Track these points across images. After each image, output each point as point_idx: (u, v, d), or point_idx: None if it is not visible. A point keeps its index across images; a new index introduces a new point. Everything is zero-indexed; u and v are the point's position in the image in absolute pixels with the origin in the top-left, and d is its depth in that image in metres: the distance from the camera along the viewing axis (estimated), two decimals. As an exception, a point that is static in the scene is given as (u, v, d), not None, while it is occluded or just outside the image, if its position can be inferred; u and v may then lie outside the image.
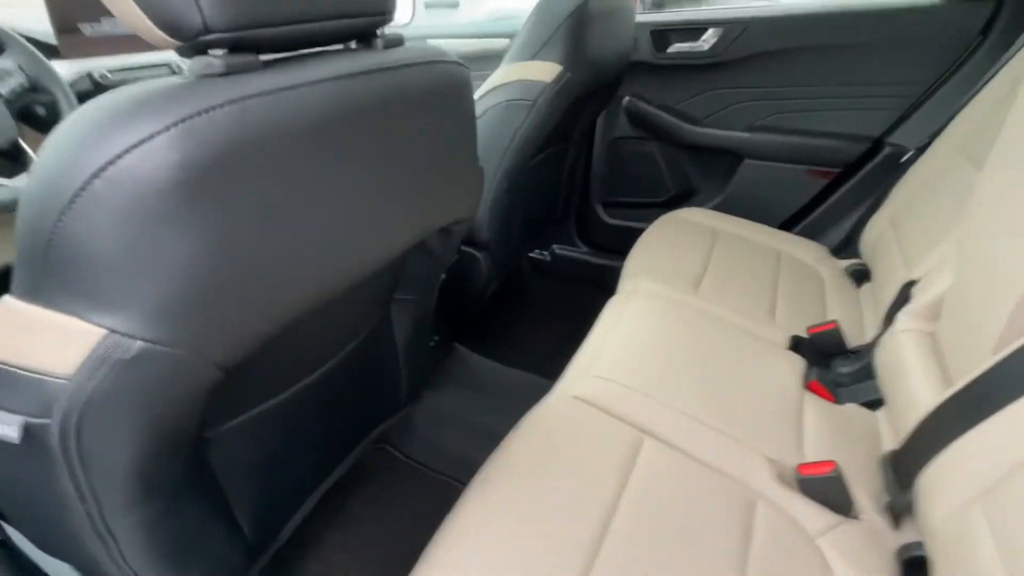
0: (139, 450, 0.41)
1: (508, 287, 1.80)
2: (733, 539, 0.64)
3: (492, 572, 0.57)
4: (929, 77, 1.29)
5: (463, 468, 0.69)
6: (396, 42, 0.53)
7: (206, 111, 0.34)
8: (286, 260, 0.43)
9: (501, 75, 1.08)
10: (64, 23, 0.88)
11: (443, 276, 1.17)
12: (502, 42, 1.54)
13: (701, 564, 0.61)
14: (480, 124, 1.10)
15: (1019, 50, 1.03)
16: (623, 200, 1.73)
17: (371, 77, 0.46)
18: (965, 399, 0.62)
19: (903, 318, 0.81)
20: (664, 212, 1.43)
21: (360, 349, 0.79)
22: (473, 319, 1.54)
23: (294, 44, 0.46)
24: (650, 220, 1.39)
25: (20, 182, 0.68)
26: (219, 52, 0.39)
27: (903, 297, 0.89)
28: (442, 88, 0.54)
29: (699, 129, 1.52)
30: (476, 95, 1.13)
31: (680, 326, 0.99)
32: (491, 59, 1.25)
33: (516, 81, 1.04)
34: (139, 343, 0.36)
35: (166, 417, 0.41)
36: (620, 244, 1.44)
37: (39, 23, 0.87)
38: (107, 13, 0.85)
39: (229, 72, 0.38)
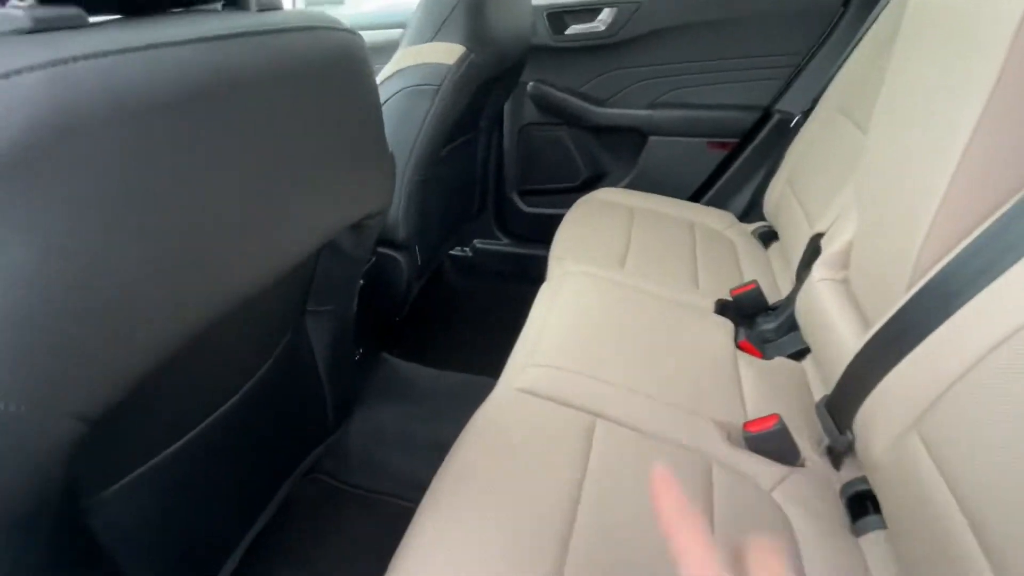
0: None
1: (432, 288, 1.72)
2: (696, 507, 0.63)
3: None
4: (804, 47, 1.39)
5: (408, 485, 0.63)
6: (273, 5, 0.45)
7: (5, 76, 0.25)
8: (153, 272, 0.34)
9: (399, 60, 1.01)
10: None
11: (361, 281, 1.08)
12: (396, 34, 1.46)
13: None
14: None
15: (877, 17, 1.13)
16: (538, 188, 1.72)
17: (245, 41, 0.38)
18: (887, 337, 0.65)
19: (817, 269, 0.85)
20: (579, 195, 1.43)
21: (273, 373, 0.69)
22: (399, 326, 1.45)
23: (138, 2, 0.37)
24: (567, 205, 1.38)
25: None
26: (22, 1, 0.29)
27: (813, 250, 0.94)
28: (334, 58, 0.47)
29: (604, 110, 1.54)
30: (374, 83, 1.04)
31: (613, 304, 0.99)
32: (385, 51, 1.16)
33: (417, 65, 0.98)
34: None
35: (16, 492, 0.31)
36: (540, 232, 1.43)
37: None
38: None
39: (38, 28, 0.29)
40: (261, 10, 0.44)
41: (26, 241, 0.27)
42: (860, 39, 1.15)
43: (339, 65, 0.48)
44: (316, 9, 0.54)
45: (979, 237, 0.56)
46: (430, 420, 1.17)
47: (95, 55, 0.29)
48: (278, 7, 0.46)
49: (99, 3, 0.34)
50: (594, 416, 0.74)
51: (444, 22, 0.98)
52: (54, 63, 0.27)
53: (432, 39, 0.98)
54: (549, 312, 0.97)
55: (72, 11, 0.31)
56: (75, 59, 0.28)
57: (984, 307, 0.52)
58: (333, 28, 0.47)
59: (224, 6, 0.44)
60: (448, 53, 0.97)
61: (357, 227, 0.63)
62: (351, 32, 0.50)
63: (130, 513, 0.51)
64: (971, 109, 0.55)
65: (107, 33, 0.32)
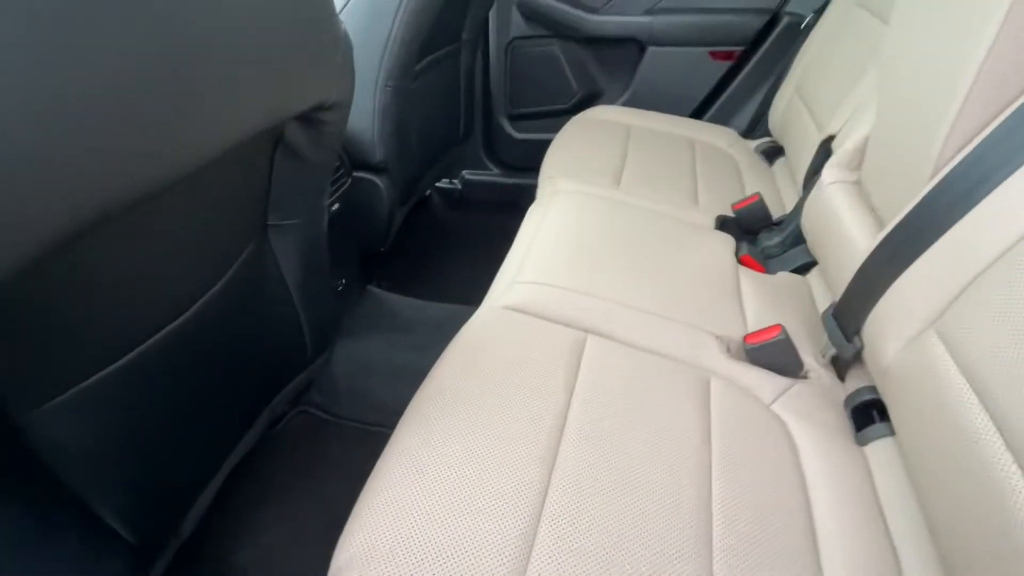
0: None
1: (420, 221, 1.65)
2: (693, 419, 0.59)
3: (438, 511, 0.48)
4: (819, -64, 1.25)
5: (395, 415, 0.58)
6: None
7: None
8: (38, 134, 0.28)
9: (363, -50, 0.89)
10: None
11: (335, 205, 1.01)
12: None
13: (665, 451, 0.55)
14: (350, 10, 0.91)
15: None
16: (529, 111, 1.61)
17: None
18: (903, 234, 0.59)
19: (828, 172, 0.78)
20: (575, 116, 1.33)
21: (237, 290, 0.63)
22: (386, 258, 1.39)
23: None
24: (560, 129, 1.29)
25: None
26: None
27: (824, 153, 0.86)
28: None
29: (598, 17, 1.40)
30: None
31: (606, 220, 0.92)
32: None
33: (382, -47, 0.86)
34: None
35: None
36: (533, 160, 1.34)
37: None
38: None
39: None
40: None
41: None
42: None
43: None
44: None
45: (1001, 126, 0.50)
46: (416, 350, 1.13)
47: None
48: None
49: None
50: (584, 332, 0.69)
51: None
52: None
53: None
54: (538, 230, 0.90)
55: None
56: None
57: (1007, 199, 0.46)
58: None
59: None
60: (418, -63, 0.85)
61: (309, 122, 0.56)
62: None
63: (72, 432, 0.46)
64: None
65: None
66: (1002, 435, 0.41)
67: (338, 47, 0.55)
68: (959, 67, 0.55)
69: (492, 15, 1.45)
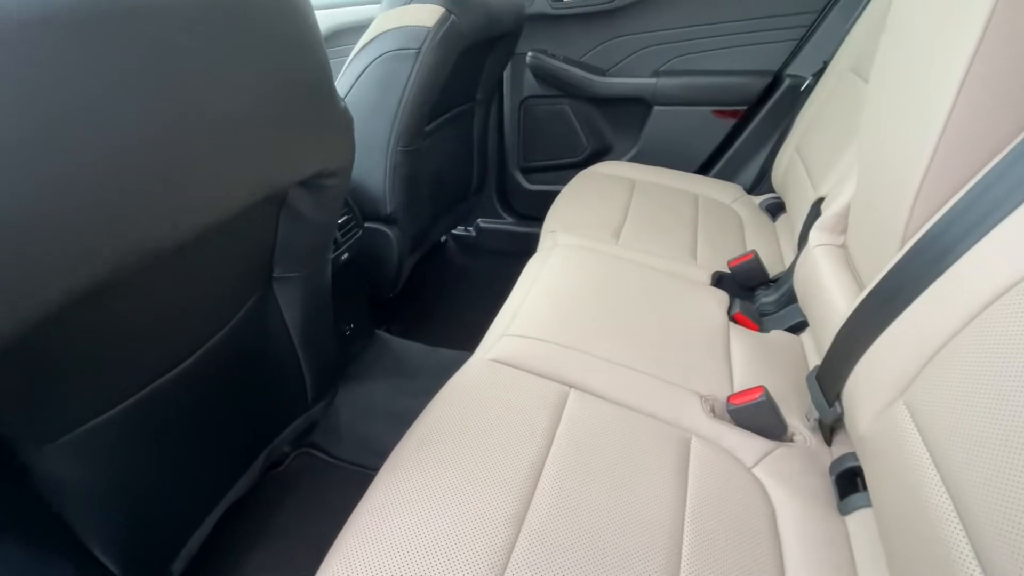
0: None
1: (433, 267, 1.70)
2: (669, 480, 0.60)
3: (406, 555, 0.49)
4: (816, 5, 1.30)
5: None
6: None
7: None
8: (54, 203, 0.33)
9: (375, 27, 0.98)
10: None
11: (345, 255, 1.07)
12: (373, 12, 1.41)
13: (638, 511, 0.56)
14: (362, 85, 1.00)
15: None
16: (541, 164, 1.67)
17: None
18: (876, 301, 0.60)
19: (814, 234, 0.79)
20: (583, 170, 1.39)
21: (239, 338, 0.68)
22: (397, 303, 1.44)
23: None
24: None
25: None
26: None
27: (813, 215, 0.88)
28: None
29: (606, 80, 1.48)
30: (350, 56, 1.02)
31: (601, 275, 0.95)
32: (361, 31, 1.13)
33: (394, 29, 0.95)
34: None
35: None
36: (543, 210, 1.39)
37: None
38: None
39: None
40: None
41: None
42: (874, -8, 1.07)
43: (271, 4, 0.46)
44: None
45: (966, 195, 0.52)
46: (420, 395, 1.15)
47: None
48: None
49: None
50: (567, 387, 0.71)
51: (422, -17, 0.94)
52: None
53: (409, 1, 0.95)
54: (533, 283, 0.93)
55: None
56: None
57: (972, 267, 0.47)
58: None
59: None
60: (427, 15, 0.93)
61: (311, 187, 0.61)
62: None
63: (75, 472, 0.50)
64: (957, 66, 0.52)
65: None
66: (961, 520, 0.40)
67: (338, 119, 0.61)
68: (923, 136, 0.57)
69: (506, 76, 1.54)
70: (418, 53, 0.94)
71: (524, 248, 1.74)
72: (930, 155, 0.56)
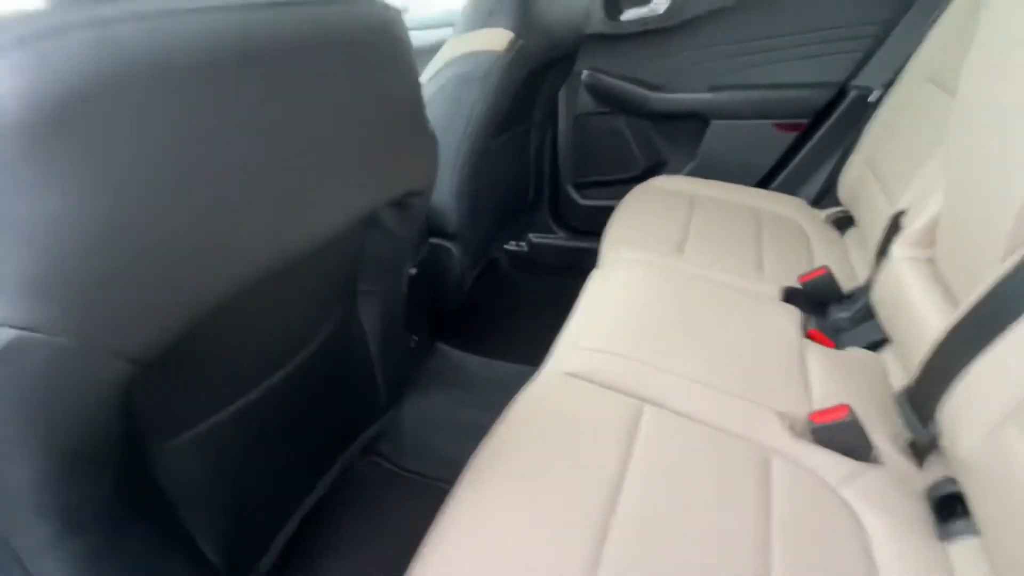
0: (42, 473, 0.34)
1: (488, 282, 1.73)
2: (752, 500, 0.59)
3: (490, 569, 0.51)
4: (884, 15, 1.27)
5: (457, 470, 0.63)
6: None
7: (61, 31, 0.28)
8: (191, 225, 0.36)
9: (449, 51, 1.02)
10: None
11: (413, 270, 1.11)
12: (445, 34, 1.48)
13: (722, 531, 0.55)
14: (432, 105, 1.04)
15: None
16: (595, 179, 1.68)
17: (280, 10, 0.40)
18: (977, 318, 0.57)
19: (898, 248, 0.77)
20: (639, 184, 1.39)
21: (327, 347, 0.72)
22: (455, 317, 1.47)
23: None
24: (624, 196, 1.35)
25: None
26: None
27: (894, 228, 0.85)
28: (368, 31, 0.48)
29: (662, 95, 1.48)
30: (424, 76, 1.06)
31: (668, 289, 0.94)
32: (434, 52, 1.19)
33: (466, 55, 0.99)
34: (10, 331, 0.29)
35: (70, 427, 0.34)
36: (597, 225, 1.40)
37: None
38: None
39: None
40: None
41: (79, 188, 0.29)
42: (950, 2, 1.03)
43: (374, 38, 0.49)
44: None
45: None
46: (480, 407, 1.17)
47: (136, 17, 0.31)
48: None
49: None
50: (642, 402, 0.71)
51: (493, 9, 0.98)
52: (100, 23, 0.29)
53: (481, 27, 0.99)
54: (600, 297, 0.94)
55: None
56: (118, 20, 0.30)
57: None
58: (369, 2, 0.48)
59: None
60: (497, 39, 0.97)
61: (399, 205, 0.65)
62: (388, 7, 0.51)
63: (195, 468, 0.55)
64: None
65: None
66: None
67: (428, 143, 0.64)
68: None
69: (561, 95, 1.57)
70: (487, 77, 0.98)
71: (576, 262, 1.75)
72: None
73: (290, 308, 0.60)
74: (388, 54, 0.52)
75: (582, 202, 1.71)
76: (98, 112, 0.29)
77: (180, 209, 0.35)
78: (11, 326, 0.29)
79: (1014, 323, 0.52)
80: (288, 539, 0.79)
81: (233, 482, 0.61)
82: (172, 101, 0.33)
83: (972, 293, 0.59)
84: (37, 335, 0.30)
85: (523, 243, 1.83)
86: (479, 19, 0.99)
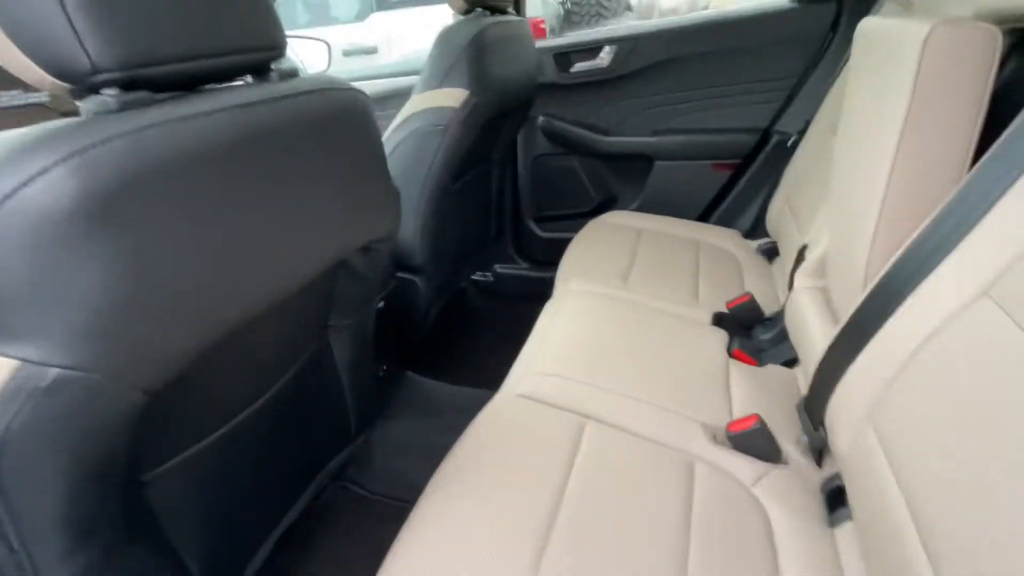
0: (66, 490, 0.41)
1: (455, 311, 1.82)
2: (675, 501, 0.68)
3: (448, 570, 0.59)
4: (797, 70, 1.45)
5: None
6: (291, 74, 0.57)
7: (103, 142, 0.37)
8: (200, 280, 0.45)
9: (411, 106, 1.14)
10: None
11: (380, 303, 1.19)
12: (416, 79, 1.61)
13: (647, 529, 0.64)
14: (398, 154, 1.15)
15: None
16: (553, 214, 1.81)
17: (267, 105, 0.49)
18: (847, 336, 0.69)
19: (799, 278, 0.90)
20: (592, 220, 1.52)
21: (300, 379, 0.79)
22: (423, 346, 1.55)
23: (190, 81, 0.49)
24: (580, 229, 1.47)
25: None
26: (112, 91, 0.41)
27: (799, 260, 0.98)
28: (339, 112, 0.58)
29: (610, 139, 1.63)
30: (390, 128, 1.17)
31: (612, 317, 1.05)
32: (407, 96, 1.30)
33: (426, 110, 1.10)
34: (54, 370, 0.37)
35: (91, 451, 0.41)
36: (556, 255, 1.52)
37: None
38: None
39: (122, 108, 0.41)
40: (281, 79, 0.56)
41: (119, 260, 0.38)
42: (847, 61, 1.21)
43: (346, 116, 0.60)
44: (330, 75, 0.65)
45: (915, 239, 0.62)
46: (447, 431, 1.24)
47: (160, 124, 0.40)
48: (296, 75, 0.58)
49: (162, 87, 0.46)
50: (585, 418, 0.81)
51: (449, 70, 1.10)
52: (131, 132, 0.39)
53: (439, 86, 1.11)
54: (551, 326, 1.04)
55: (144, 94, 0.43)
56: (147, 128, 0.39)
57: (921, 301, 0.57)
58: (339, 88, 0.59)
59: (253, 78, 0.56)
60: (453, 97, 1.09)
61: (366, 250, 0.74)
62: (354, 90, 0.61)
63: (181, 493, 0.61)
64: (892, 131, 0.63)
65: (168, 108, 0.44)
66: (920, 536, 0.48)
67: (390, 196, 0.74)
68: (874, 187, 0.68)
69: (520, 137, 1.70)
70: (445, 129, 1.09)
71: (539, 291, 1.86)
72: (879, 206, 0.67)
73: (268, 344, 0.68)
74: (357, 128, 0.62)
75: (542, 235, 1.83)
76: (132, 201, 0.38)
77: (194, 268, 0.44)
78: (56, 366, 0.37)
79: (871, 338, 0.64)
80: (265, 559, 0.84)
81: (214, 506, 0.67)
82: (187, 187, 0.42)
83: (846, 315, 0.71)
84: (76, 372, 0.38)
85: (489, 273, 1.93)
86: (437, 80, 1.11)
